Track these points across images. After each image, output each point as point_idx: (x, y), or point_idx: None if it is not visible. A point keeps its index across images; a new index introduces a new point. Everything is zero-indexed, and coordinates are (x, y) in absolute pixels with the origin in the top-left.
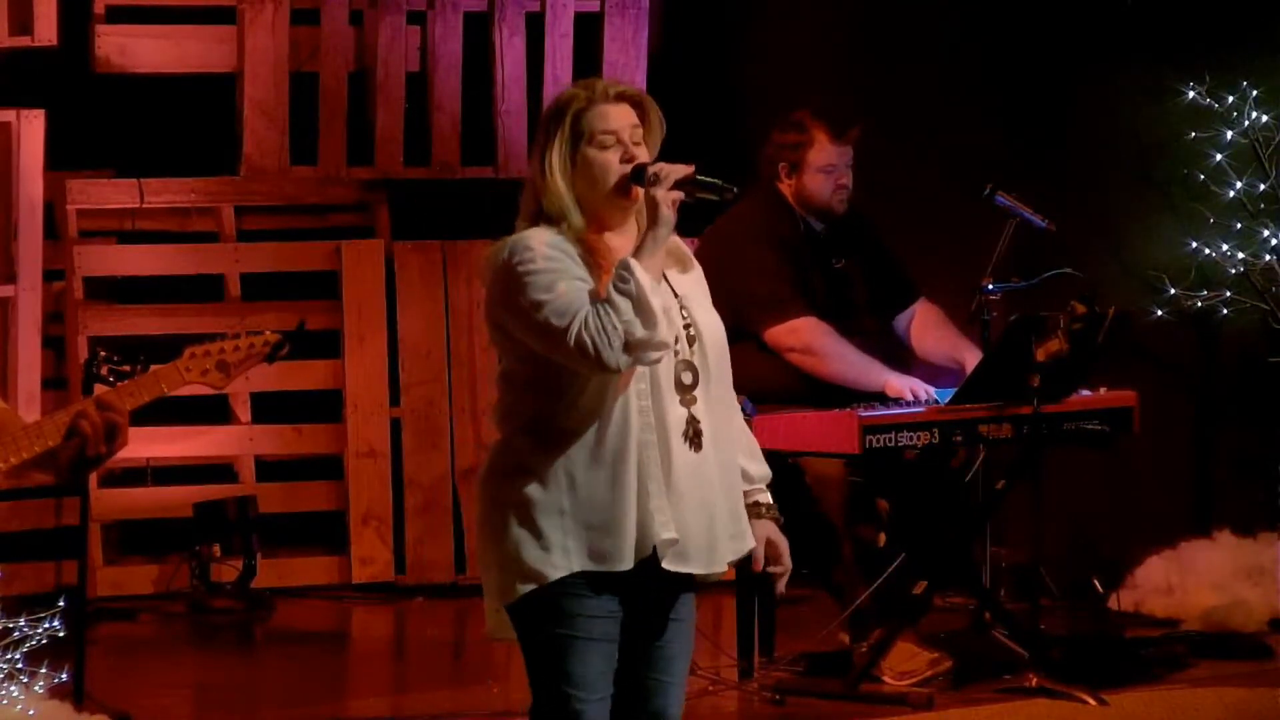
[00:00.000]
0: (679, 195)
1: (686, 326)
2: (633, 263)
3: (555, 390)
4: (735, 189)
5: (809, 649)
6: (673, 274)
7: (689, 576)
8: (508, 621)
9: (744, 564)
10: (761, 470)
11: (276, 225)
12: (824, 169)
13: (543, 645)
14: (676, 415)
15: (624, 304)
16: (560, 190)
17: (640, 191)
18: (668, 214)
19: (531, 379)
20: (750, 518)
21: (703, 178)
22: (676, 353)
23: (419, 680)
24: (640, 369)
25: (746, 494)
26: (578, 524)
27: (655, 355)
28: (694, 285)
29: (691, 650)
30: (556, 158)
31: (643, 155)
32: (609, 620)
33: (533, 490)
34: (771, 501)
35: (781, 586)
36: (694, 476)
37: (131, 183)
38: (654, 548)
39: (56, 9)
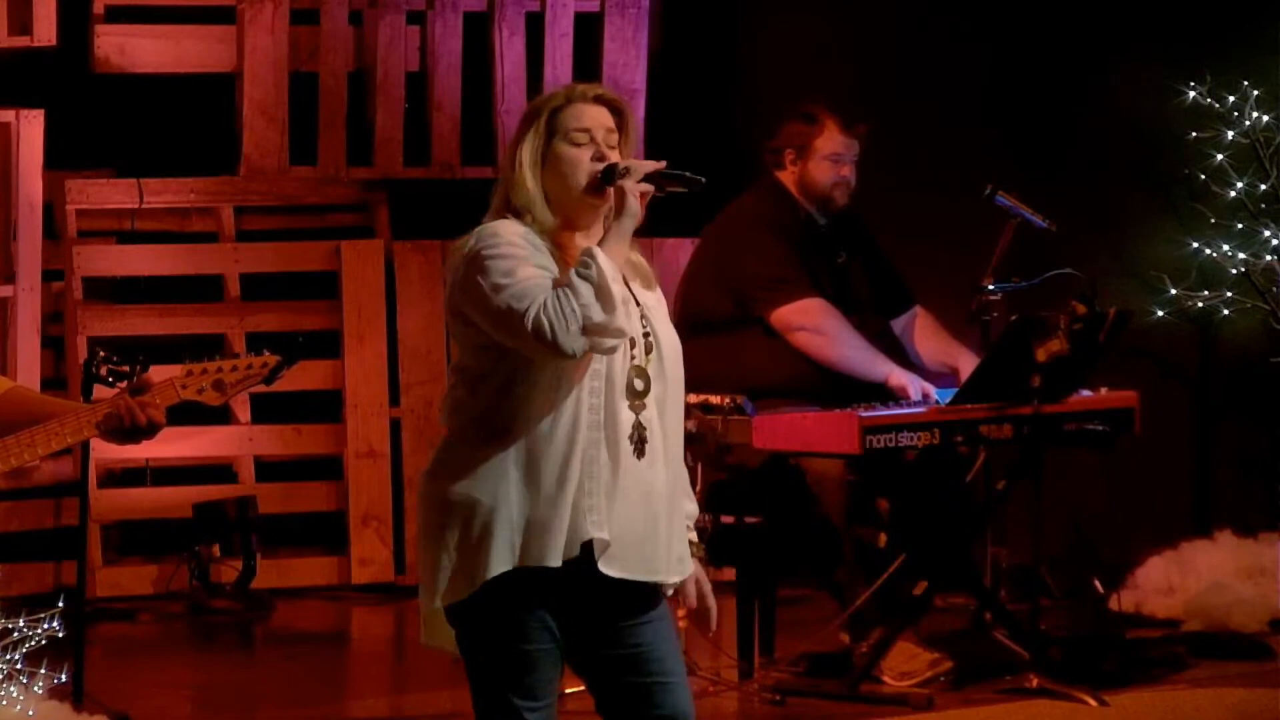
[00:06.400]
0: (648, 188)
1: (646, 335)
2: (596, 250)
3: (508, 384)
4: (703, 179)
5: (809, 649)
6: (637, 287)
7: (645, 584)
8: (443, 628)
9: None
10: (691, 507)
11: (276, 225)
12: (830, 157)
13: (488, 652)
14: (625, 418)
15: (584, 288)
16: (528, 184)
17: (611, 192)
18: (634, 205)
19: (486, 373)
20: None
21: (671, 170)
22: (633, 357)
23: (419, 680)
24: (596, 368)
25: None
26: (520, 518)
27: (612, 342)
28: (656, 303)
29: (678, 647)
30: (527, 152)
31: (614, 158)
32: (548, 627)
33: (479, 487)
34: (698, 540)
35: (713, 623)
36: (638, 483)
37: (131, 183)
38: (581, 547)
39: (56, 9)
